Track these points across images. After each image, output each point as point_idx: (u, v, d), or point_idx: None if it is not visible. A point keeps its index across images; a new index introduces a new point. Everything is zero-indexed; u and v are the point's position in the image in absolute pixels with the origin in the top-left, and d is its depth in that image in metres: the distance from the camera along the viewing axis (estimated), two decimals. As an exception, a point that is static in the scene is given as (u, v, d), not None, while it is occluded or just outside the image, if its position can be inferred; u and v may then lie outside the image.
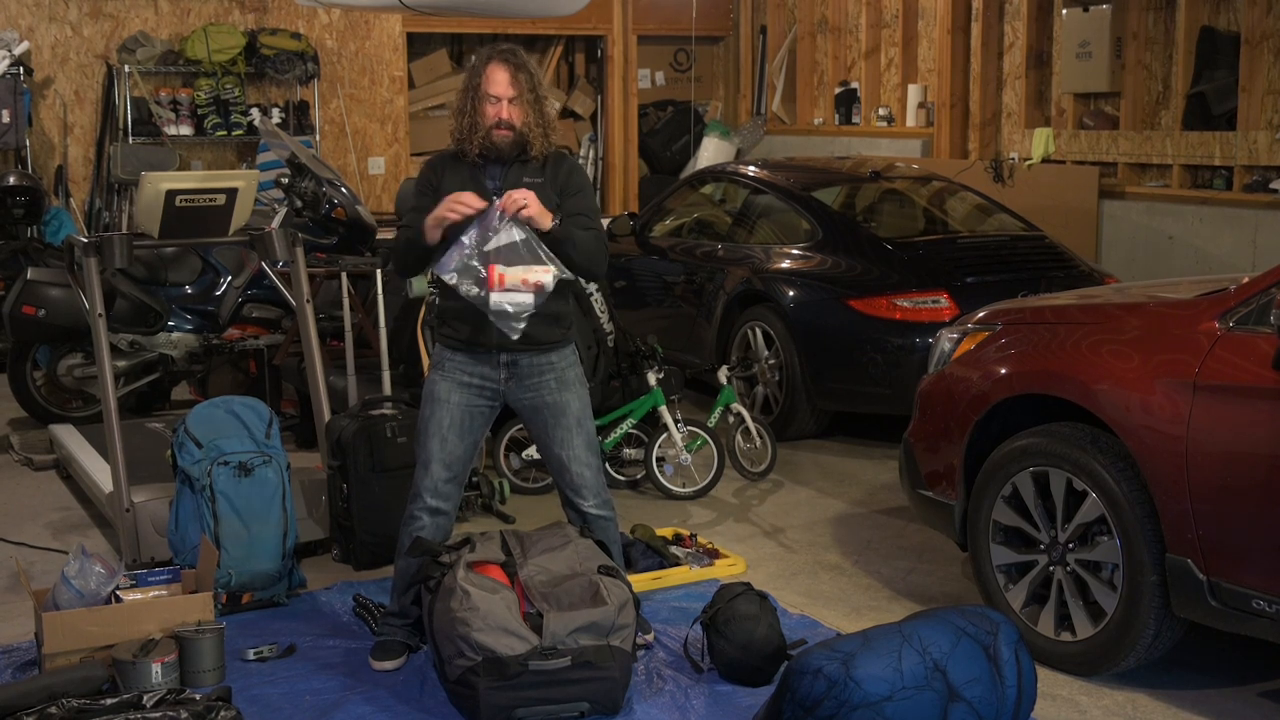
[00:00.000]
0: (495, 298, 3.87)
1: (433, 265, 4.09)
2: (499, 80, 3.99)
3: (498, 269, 3.85)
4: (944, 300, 6.56)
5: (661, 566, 4.98)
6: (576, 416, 4.16)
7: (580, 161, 12.36)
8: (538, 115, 4.04)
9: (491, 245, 3.86)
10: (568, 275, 3.96)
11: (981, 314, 4.73)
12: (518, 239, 3.87)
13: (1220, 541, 3.69)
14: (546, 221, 3.91)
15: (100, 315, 5.12)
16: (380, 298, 5.90)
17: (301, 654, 4.30)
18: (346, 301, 6.17)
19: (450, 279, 3.90)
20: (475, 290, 3.89)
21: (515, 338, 3.95)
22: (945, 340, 4.76)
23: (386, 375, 5.88)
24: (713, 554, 5.17)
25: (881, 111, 11.02)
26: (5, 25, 10.13)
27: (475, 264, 3.87)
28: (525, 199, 3.87)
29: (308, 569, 5.00)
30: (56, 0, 10.35)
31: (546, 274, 3.88)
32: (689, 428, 6.16)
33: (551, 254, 3.91)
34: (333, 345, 6.73)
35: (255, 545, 4.64)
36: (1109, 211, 8.97)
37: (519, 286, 3.86)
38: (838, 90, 11.49)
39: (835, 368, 6.74)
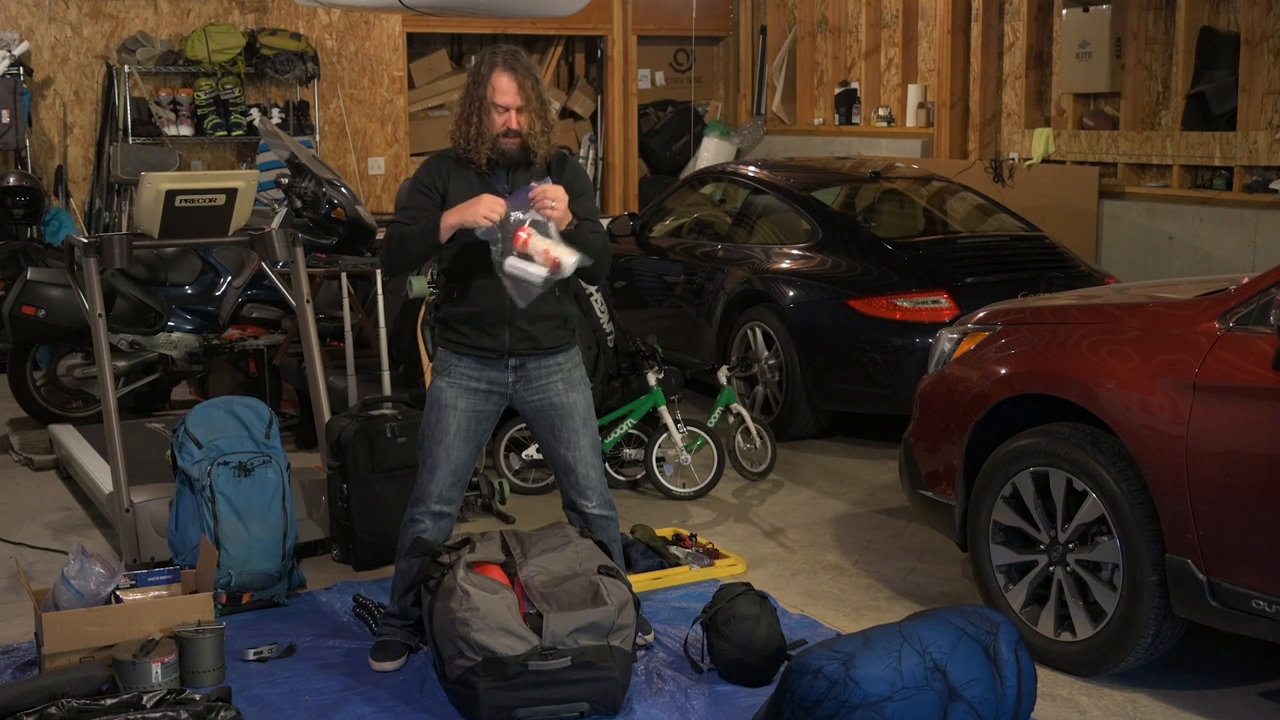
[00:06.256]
0: (511, 261, 3.83)
1: (433, 263, 4.07)
2: (507, 89, 3.97)
3: (526, 229, 3.83)
4: (944, 300, 6.56)
5: (661, 567, 4.98)
6: (583, 417, 4.17)
7: (580, 162, 12.37)
8: (543, 121, 4.04)
9: (526, 216, 3.85)
10: (587, 263, 3.93)
11: (981, 314, 4.73)
12: (544, 220, 3.87)
13: (1220, 541, 3.69)
14: (565, 224, 3.91)
15: (100, 315, 5.13)
16: (380, 298, 5.90)
17: (301, 654, 4.30)
18: (346, 301, 6.17)
19: (482, 234, 3.88)
20: (498, 248, 3.86)
21: (521, 305, 3.91)
22: (945, 340, 4.76)
23: (386, 375, 5.88)
24: (713, 554, 5.17)
25: (881, 111, 11.02)
26: (5, 25, 10.13)
27: (508, 225, 3.85)
28: (556, 202, 3.83)
29: (308, 569, 5.00)
30: (56, 0, 10.35)
31: (571, 256, 3.84)
32: (689, 428, 6.16)
33: (571, 247, 3.91)
34: (333, 345, 6.73)
35: (255, 545, 4.64)
36: (1109, 212, 8.97)
37: (540, 254, 3.81)
38: (838, 90, 11.49)
39: (835, 368, 6.74)
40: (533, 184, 3.89)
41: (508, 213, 3.84)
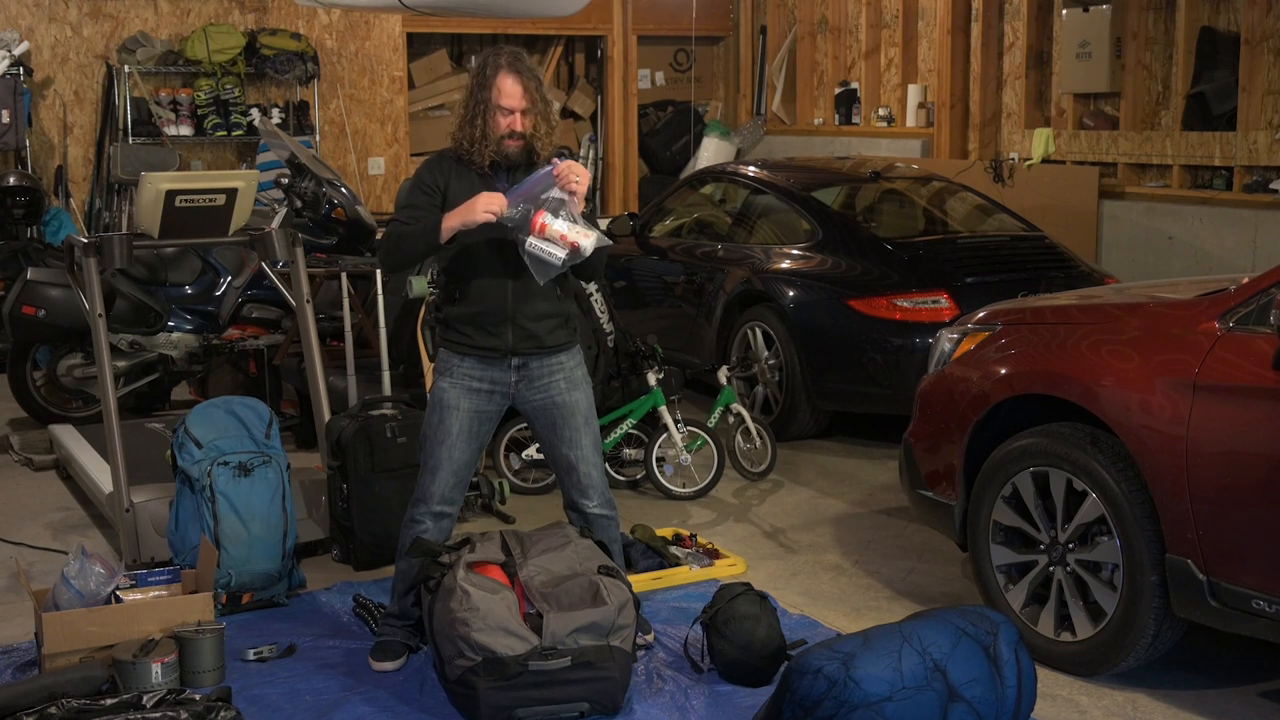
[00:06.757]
0: (532, 240, 3.85)
1: (432, 263, 4.06)
2: (512, 92, 3.98)
3: (544, 216, 3.84)
4: (944, 300, 6.56)
5: (661, 566, 4.98)
6: (585, 416, 4.17)
7: (580, 162, 12.37)
8: (546, 123, 4.06)
9: (546, 195, 3.86)
10: (606, 243, 3.95)
11: (981, 314, 4.73)
12: (566, 198, 3.87)
13: (1220, 541, 3.69)
14: (579, 209, 3.93)
15: (100, 315, 5.13)
16: (380, 298, 5.90)
17: (301, 654, 4.30)
18: (346, 301, 6.17)
19: (501, 219, 3.88)
20: (513, 228, 3.88)
21: (541, 283, 3.92)
22: (945, 340, 4.76)
23: (386, 375, 5.88)
24: (713, 554, 5.17)
25: (881, 111, 11.02)
26: (5, 25, 10.13)
27: (524, 206, 3.86)
28: (581, 177, 3.86)
29: (308, 569, 5.00)
30: (56, 0, 10.35)
31: (587, 238, 3.87)
32: (689, 428, 6.16)
33: (590, 226, 3.91)
34: (333, 345, 6.73)
35: (255, 545, 4.63)
36: (1109, 212, 8.97)
37: (557, 240, 3.84)
38: (838, 90, 11.49)
39: (835, 368, 6.74)
40: (555, 160, 3.90)
41: (517, 200, 3.85)
